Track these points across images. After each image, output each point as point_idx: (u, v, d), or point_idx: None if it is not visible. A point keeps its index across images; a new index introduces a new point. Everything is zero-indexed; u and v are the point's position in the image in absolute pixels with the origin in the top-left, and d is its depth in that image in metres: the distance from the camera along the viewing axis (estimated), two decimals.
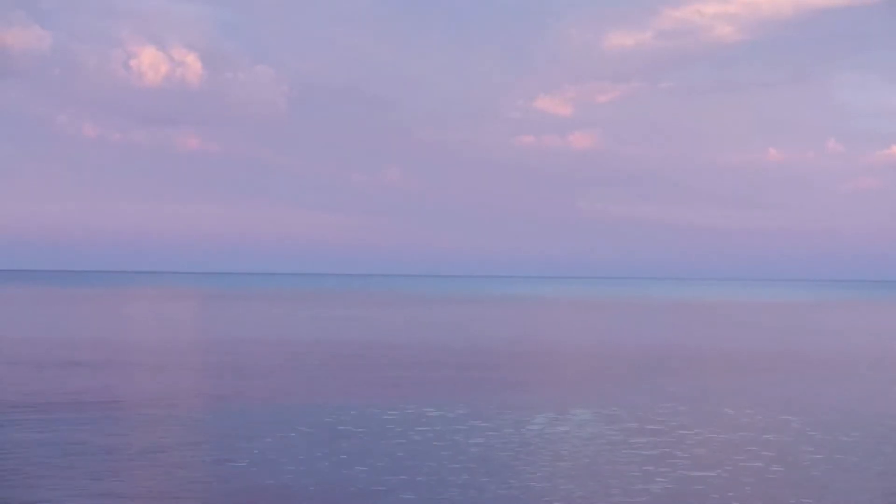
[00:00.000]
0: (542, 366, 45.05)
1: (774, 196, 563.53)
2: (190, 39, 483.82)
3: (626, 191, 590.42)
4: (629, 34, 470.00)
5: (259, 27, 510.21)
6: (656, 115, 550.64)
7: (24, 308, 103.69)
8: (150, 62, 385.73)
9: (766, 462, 21.94)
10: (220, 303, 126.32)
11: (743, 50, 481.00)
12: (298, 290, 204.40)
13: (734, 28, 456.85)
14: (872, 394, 34.99)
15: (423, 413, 28.59)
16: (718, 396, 33.48)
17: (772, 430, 26.39)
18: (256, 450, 22.49)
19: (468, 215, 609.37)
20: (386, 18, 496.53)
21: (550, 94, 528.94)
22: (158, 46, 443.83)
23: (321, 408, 29.47)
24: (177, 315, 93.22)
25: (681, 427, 26.67)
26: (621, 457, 22.32)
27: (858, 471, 21.18)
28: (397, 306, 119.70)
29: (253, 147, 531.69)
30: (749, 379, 39.43)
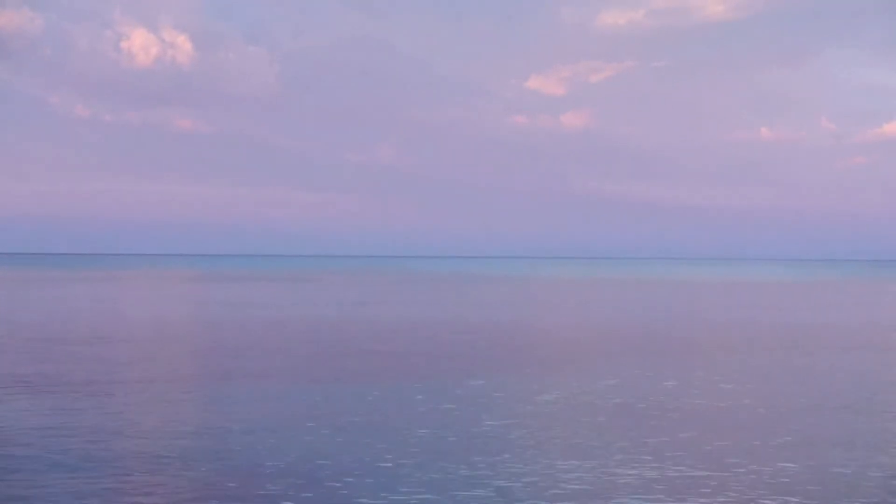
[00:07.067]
0: (527, 343, 45.09)
1: (767, 175, 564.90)
2: (182, 20, 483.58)
3: (619, 170, 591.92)
4: (622, 13, 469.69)
5: (251, 7, 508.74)
6: (649, 94, 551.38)
7: (5, 291, 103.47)
8: (141, 43, 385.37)
9: (755, 431, 22.03)
10: (211, 285, 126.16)
11: (735, 28, 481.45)
12: (291, 271, 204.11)
13: (726, 6, 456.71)
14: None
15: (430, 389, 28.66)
16: (710, 372, 33.60)
17: (760, 400, 26.50)
18: (246, 429, 22.49)
19: (461, 195, 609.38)
20: None
21: (543, 74, 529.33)
22: (150, 27, 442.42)
23: (306, 387, 29.51)
24: (166, 297, 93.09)
25: (667, 402, 26.76)
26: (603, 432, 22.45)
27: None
28: (395, 286, 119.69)
29: (246, 127, 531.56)
30: (738, 356, 39.52)
